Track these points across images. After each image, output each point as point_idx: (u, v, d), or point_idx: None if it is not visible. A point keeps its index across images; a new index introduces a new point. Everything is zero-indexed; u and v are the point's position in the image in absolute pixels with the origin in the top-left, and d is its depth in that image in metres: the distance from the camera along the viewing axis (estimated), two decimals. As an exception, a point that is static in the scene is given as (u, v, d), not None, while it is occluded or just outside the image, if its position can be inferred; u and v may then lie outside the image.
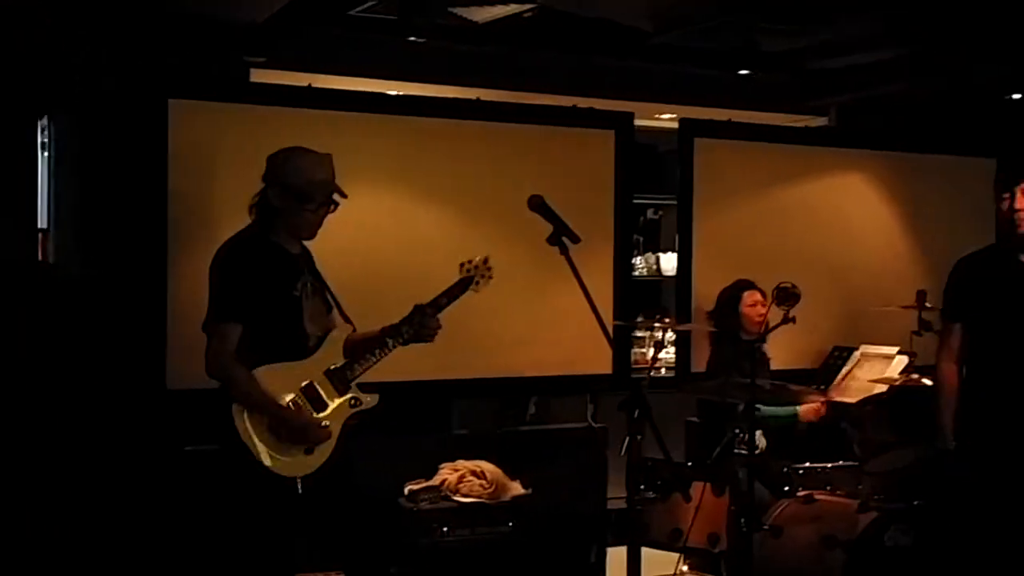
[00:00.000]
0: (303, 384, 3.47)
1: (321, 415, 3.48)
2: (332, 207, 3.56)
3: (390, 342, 3.60)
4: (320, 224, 3.57)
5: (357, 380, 3.55)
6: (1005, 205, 3.75)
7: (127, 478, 4.45)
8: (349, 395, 3.54)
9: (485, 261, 3.77)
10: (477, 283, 3.74)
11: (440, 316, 3.67)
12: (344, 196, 3.57)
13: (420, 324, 3.63)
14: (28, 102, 4.50)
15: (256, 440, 3.37)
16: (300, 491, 3.40)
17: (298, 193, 3.47)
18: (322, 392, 3.50)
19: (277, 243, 3.52)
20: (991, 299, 3.77)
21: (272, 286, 3.45)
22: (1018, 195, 3.73)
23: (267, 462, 3.37)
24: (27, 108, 4.53)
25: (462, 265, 3.76)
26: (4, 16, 4.24)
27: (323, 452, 3.45)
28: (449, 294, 3.70)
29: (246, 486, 3.41)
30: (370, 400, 3.56)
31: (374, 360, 3.58)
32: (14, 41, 4.28)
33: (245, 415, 3.38)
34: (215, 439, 3.50)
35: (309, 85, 4.96)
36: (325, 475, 3.45)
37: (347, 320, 3.65)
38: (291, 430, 3.40)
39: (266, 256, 3.47)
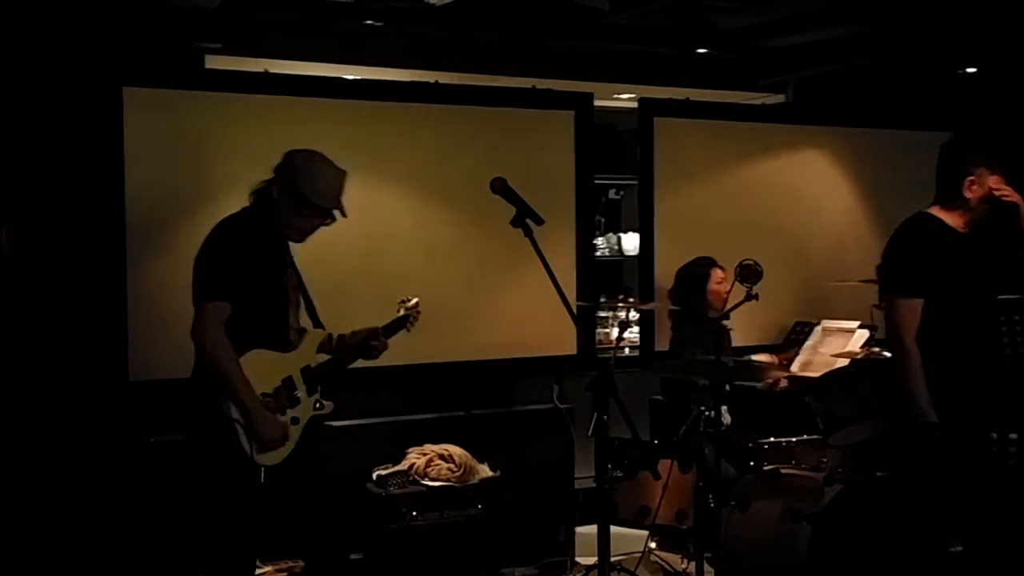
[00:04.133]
0: (284, 377, 3.52)
1: (291, 412, 3.52)
2: (329, 220, 3.59)
3: (365, 351, 3.74)
4: (311, 232, 3.59)
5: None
6: (987, 185, 3.77)
7: (92, 471, 4.41)
8: (316, 396, 3.61)
9: (416, 304, 3.94)
10: (411, 324, 3.93)
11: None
12: (344, 216, 3.60)
13: (372, 346, 3.76)
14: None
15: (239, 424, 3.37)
16: (262, 480, 3.40)
17: (300, 198, 3.49)
18: (298, 388, 3.56)
19: (273, 229, 3.53)
20: (950, 273, 3.76)
21: (264, 270, 3.48)
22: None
23: (246, 447, 3.36)
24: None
25: (402, 302, 3.95)
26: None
27: (288, 447, 3.49)
28: (395, 325, 3.87)
29: (216, 473, 3.41)
30: (328, 406, 3.64)
31: (344, 367, 3.69)
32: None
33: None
34: (185, 424, 3.49)
35: (265, 71, 4.90)
36: (287, 467, 3.47)
37: (319, 323, 3.70)
38: (261, 422, 3.38)
39: (260, 239, 3.49)
